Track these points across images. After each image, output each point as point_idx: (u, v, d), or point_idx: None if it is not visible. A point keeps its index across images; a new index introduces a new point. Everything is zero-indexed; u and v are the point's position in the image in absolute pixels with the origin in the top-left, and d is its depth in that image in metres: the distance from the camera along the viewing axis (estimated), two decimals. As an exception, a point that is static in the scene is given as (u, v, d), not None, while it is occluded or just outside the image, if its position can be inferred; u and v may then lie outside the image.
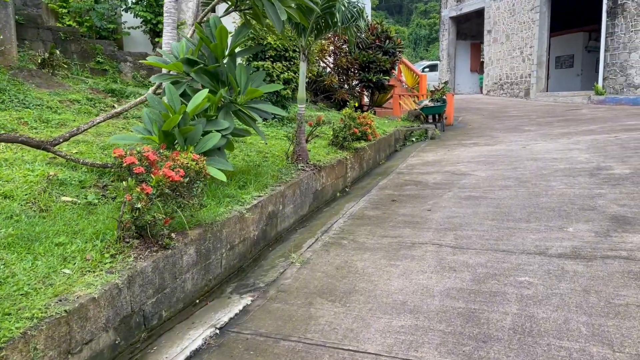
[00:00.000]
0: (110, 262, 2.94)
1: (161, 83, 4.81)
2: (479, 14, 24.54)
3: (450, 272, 3.64)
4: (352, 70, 13.89)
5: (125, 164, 3.12)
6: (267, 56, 8.51)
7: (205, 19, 4.72)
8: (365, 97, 14.96)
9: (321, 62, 13.91)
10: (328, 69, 14.20)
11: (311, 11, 5.27)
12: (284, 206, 4.90)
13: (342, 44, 13.67)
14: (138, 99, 4.67)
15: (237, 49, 5.05)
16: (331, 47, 13.79)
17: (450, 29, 26.89)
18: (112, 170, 4.25)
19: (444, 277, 3.57)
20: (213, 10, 5.17)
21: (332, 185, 6.37)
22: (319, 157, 6.47)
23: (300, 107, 5.85)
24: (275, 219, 4.73)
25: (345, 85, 14.04)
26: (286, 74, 8.49)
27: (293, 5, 5.01)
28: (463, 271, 3.65)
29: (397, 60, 14.24)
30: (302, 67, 5.76)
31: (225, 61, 4.67)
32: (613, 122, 11.20)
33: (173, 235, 3.32)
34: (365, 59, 13.34)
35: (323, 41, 13.29)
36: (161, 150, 3.54)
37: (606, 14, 16.57)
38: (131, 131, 4.36)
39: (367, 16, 5.47)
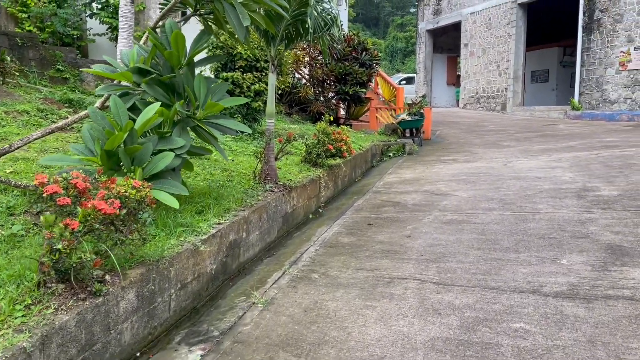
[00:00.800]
0: (22, 317, 2.38)
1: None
2: (455, 27, 24.54)
3: (435, 316, 3.17)
4: (328, 82, 13.49)
5: (46, 194, 2.57)
6: (236, 66, 8.01)
7: (160, 23, 4.20)
8: (341, 109, 14.55)
9: (296, 73, 13.48)
10: (303, 81, 13.77)
11: (280, 18, 4.81)
12: (248, 234, 4.38)
13: (318, 55, 13.27)
14: (82, 113, 4.12)
15: (197, 58, 4.55)
16: (306, 58, 13.37)
17: (427, 42, 26.84)
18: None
19: (428, 322, 3.10)
20: (183, 14, 4.64)
21: (304, 206, 5.87)
22: (290, 175, 5.98)
23: (269, 122, 5.36)
24: (238, 248, 4.20)
25: (321, 98, 13.62)
26: (257, 85, 8.00)
27: (261, 10, 4.54)
28: (449, 315, 3.18)
29: (374, 72, 13.90)
30: (272, 78, 5.28)
31: (182, 71, 4.16)
32: (592, 139, 11.01)
33: (108, 277, 2.77)
34: (341, 70, 12.95)
35: (298, 52, 12.88)
36: (97, 176, 3.00)
37: (582, 29, 16.59)
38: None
39: (341, 24, 5.03)
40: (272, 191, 5.14)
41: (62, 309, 2.47)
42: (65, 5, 12.35)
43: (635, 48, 14.97)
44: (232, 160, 6.28)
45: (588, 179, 6.78)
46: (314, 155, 6.70)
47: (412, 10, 64.59)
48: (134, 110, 4.00)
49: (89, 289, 2.62)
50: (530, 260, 4.03)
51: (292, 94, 12.84)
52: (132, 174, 3.59)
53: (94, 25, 12.28)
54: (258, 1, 3.84)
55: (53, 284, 2.58)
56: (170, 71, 4.13)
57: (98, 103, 4.30)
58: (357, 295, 3.54)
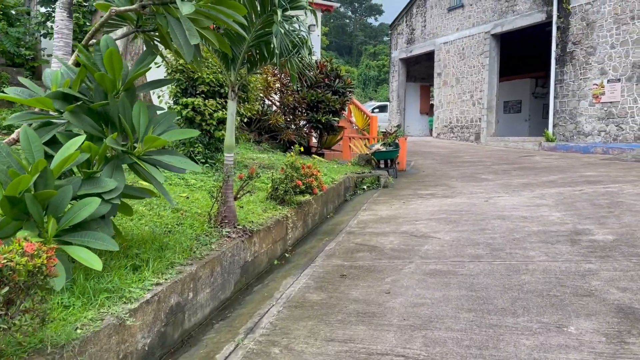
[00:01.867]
0: None
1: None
2: (429, 56, 24.50)
3: (426, 416, 2.47)
4: (300, 109, 12.92)
5: None
6: (198, 91, 7.33)
7: (93, 40, 3.51)
8: (313, 138, 13.99)
9: (266, 100, 12.87)
10: (274, 107, 13.17)
11: (241, 38, 4.18)
12: (196, 293, 3.63)
13: (289, 81, 12.71)
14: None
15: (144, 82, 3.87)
16: (277, 84, 12.80)
17: (401, 70, 26.75)
18: None
19: None
20: (142, 33, 3.86)
21: (268, 251, 5.16)
22: (252, 216, 5.27)
23: (228, 156, 4.66)
24: (182, 313, 3.45)
25: (292, 125, 13.02)
26: (221, 112, 7.32)
27: (220, 28, 3.90)
28: (443, 412, 2.49)
29: (348, 100, 13.41)
30: (231, 106, 4.61)
31: (119, 97, 3.45)
32: (572, 173, 10.65)
33: (-20, 381, 2.00)
34: (313, 98, 12.41)
35: (269, 77, 12.30)
36: (-24, 236, 2.25)
37: (555, 61, 16.55)
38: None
39: (312, 47, 4.43)
40: (229, 237, 4.41)
41: None
42: (18, 24, 11.54)
43: (608, 81, 14.93)
44: (187, 198, 5.54)
45: (577, 219, 6.28)
46: (281, 192, 6.01)
47: (385, 39, 65.57)
48: (53, 144, 3.27)
49: (-56, 404, 1.85)
50: (532, 328, 3.39)
51: (261, 121, 12.21)
52: (43, 225, 2.84)
53: (49, 46, 11.47)
54: (210, 17, 3.20)
55: None
56: (104, 97, 3.42)
57: (15, 134, 3.54)
58: (327, 380, 2.83)
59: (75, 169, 3.38)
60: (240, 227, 4.65)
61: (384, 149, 11.52)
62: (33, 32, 11.78)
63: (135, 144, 3.45)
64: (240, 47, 4.32)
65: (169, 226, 4.43)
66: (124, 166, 3.51)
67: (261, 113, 11.92)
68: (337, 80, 13.01)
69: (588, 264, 4.60)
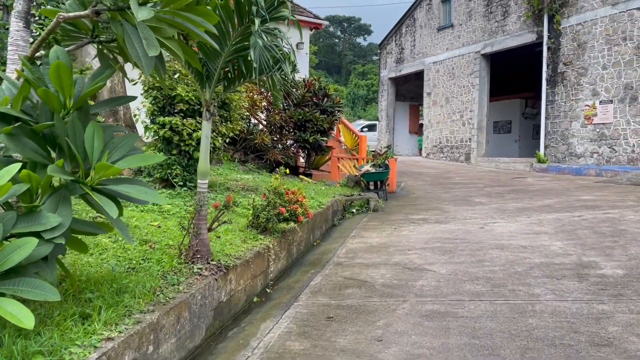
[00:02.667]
0: None
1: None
2: (418, 75, 24.33)
3: None
4: (287, 128, 12.49)
5: None
6: (176, 110, 6.86)
7: (39, 53, 3.04)
8: (301, 158, 13.54)
9: (252, 118, 12.43)
10: (260, 126, 12.73)
11: (216, 53, 3.73)
12: (157, 346, 3.11)
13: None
14: None
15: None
16: (264, 102, 12.38)
17: (390, 89, 26.56)
18: None
19: None
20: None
21: (247, 288, 4.64)
22: (230, 248, 4.76)
23: (202, 183, 4.18)
24: (139, 372, 2.92)
25: (279, 145, 12.57)
26: (200, 132, 6.84)
27: (193, 40, 3.46)
28: None
29: (336, 119, 13.02)
30: (206, 128, 4.14)
31: (69, 118, 2.97)
32: (568, 196, 10.30)
33: None
34: (301, 117, 12.00)
35: (255, 95, 11.88)
36: None
37: (546, 82, 16.37)
38: None
39: (296, 63, 4.00)
40: (200, 274, 3.90)
41: None
42: (-8, 37, 11.03)
43: (600, 102, 14.74)
44: (159, 227, 5.03)
45: (581, 250, 5.86)
46: (263, 220, 5.52)
47: (374, 58, 65.97)
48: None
49: None
50: (548, 388, 2.92)
51: (247, 140, 11.76)
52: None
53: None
54: (175, 24, 2.75)
55: None
56: (52, 117, 2.94)
57: (-53, 159, 3.04)
58: None
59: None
60: (214, 262, 4.15)
61: (374, 170, 11.10)
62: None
63: (89, 171, 2.97)
64: (216, 63, 3.87)
65: (134, 262, 3.91)
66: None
67: (247, 132, 11.48)
68: (326, 99, 12.63)
69: (601, 305, 4.15)
